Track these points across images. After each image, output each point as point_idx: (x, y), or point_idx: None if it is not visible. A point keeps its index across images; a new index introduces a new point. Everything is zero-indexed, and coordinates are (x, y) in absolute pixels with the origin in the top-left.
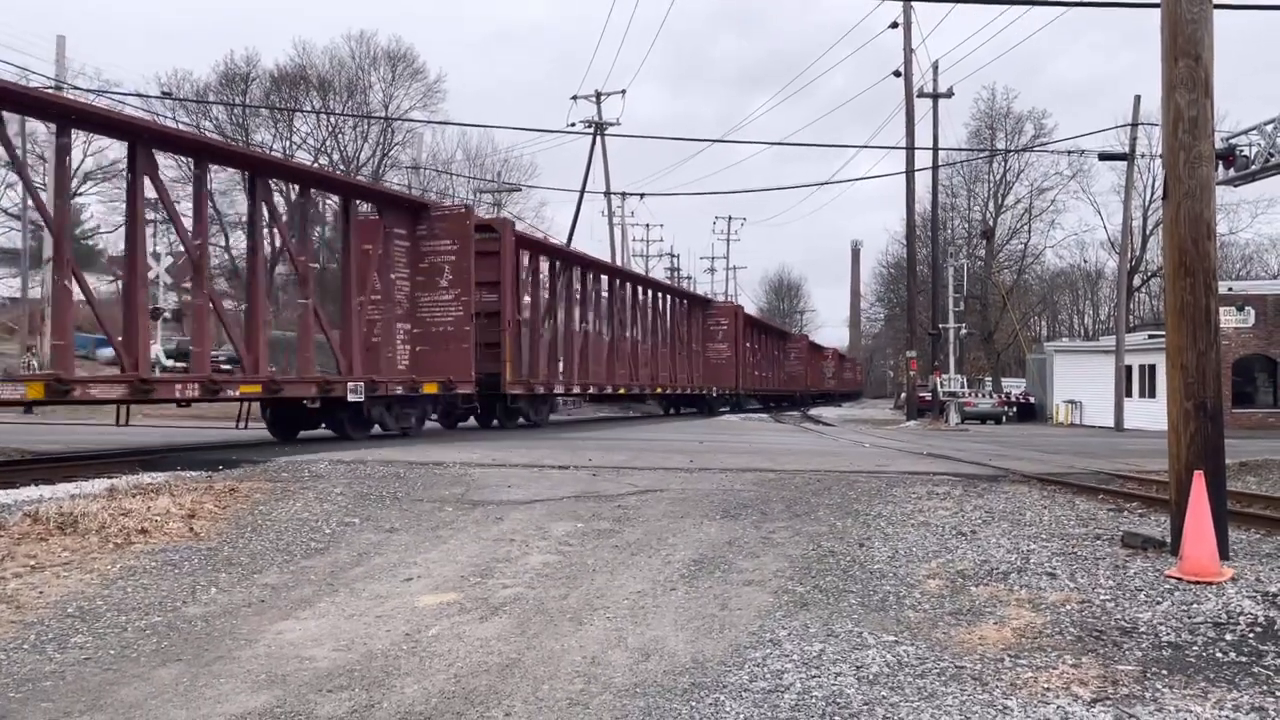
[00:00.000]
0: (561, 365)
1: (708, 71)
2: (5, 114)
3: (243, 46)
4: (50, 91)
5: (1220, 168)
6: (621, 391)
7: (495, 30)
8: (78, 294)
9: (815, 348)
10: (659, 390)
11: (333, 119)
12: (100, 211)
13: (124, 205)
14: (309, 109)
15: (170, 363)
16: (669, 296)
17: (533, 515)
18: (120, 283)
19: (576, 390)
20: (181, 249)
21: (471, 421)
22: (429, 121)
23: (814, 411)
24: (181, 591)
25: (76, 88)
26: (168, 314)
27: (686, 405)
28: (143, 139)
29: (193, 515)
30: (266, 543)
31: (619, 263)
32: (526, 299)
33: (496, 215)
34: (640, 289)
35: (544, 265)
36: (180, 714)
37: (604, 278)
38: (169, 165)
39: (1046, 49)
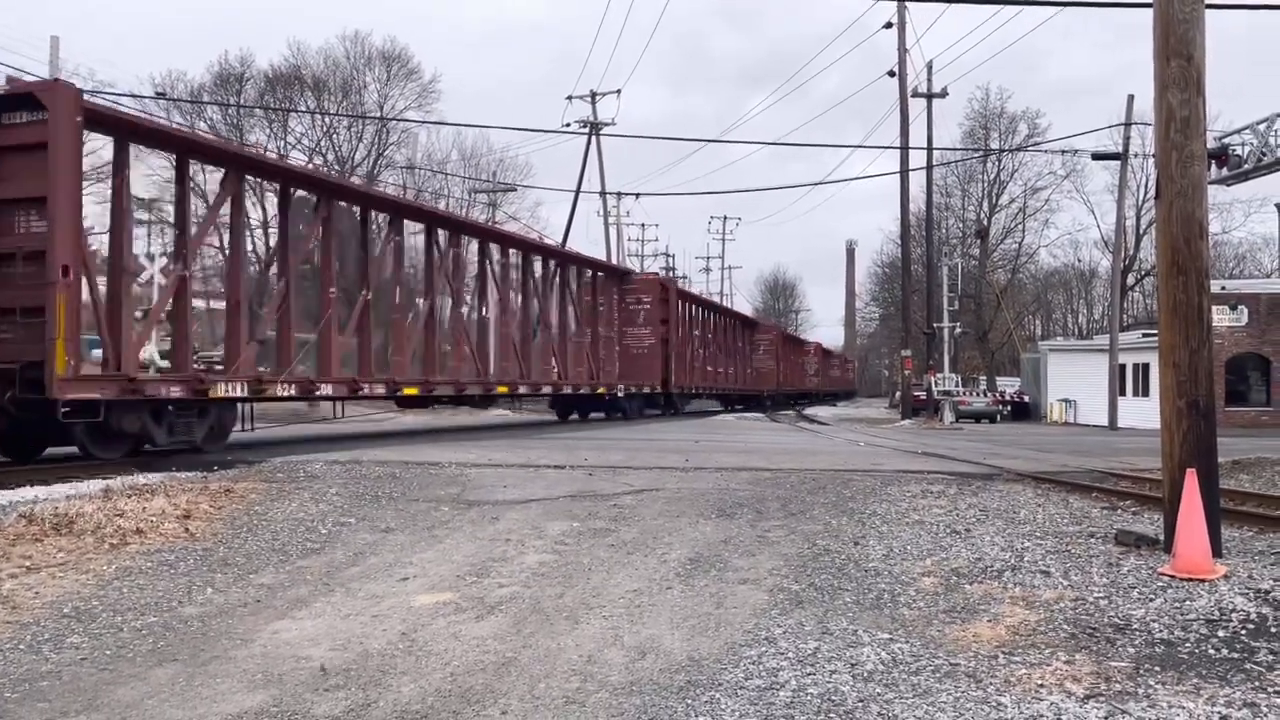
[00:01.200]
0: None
1: (704, 70)
2: None
3: (237, 46)
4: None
5: (1213, 167)
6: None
7: (491, 29)
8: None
9: (793, 341)
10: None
11: (327, 119)
12: (95, 212)
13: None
14: (304, 109)
15: (166, 364)
16: (788, 341)
17: (529, 515)
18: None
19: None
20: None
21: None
22: (424, 121)
23: (809, 411)
24: (177, 592)
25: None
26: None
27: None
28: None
29: (188, 516)
30: (262, 543)
31: (614, 262)
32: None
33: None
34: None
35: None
36: (177, 714)
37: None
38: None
39: (1042, 47)
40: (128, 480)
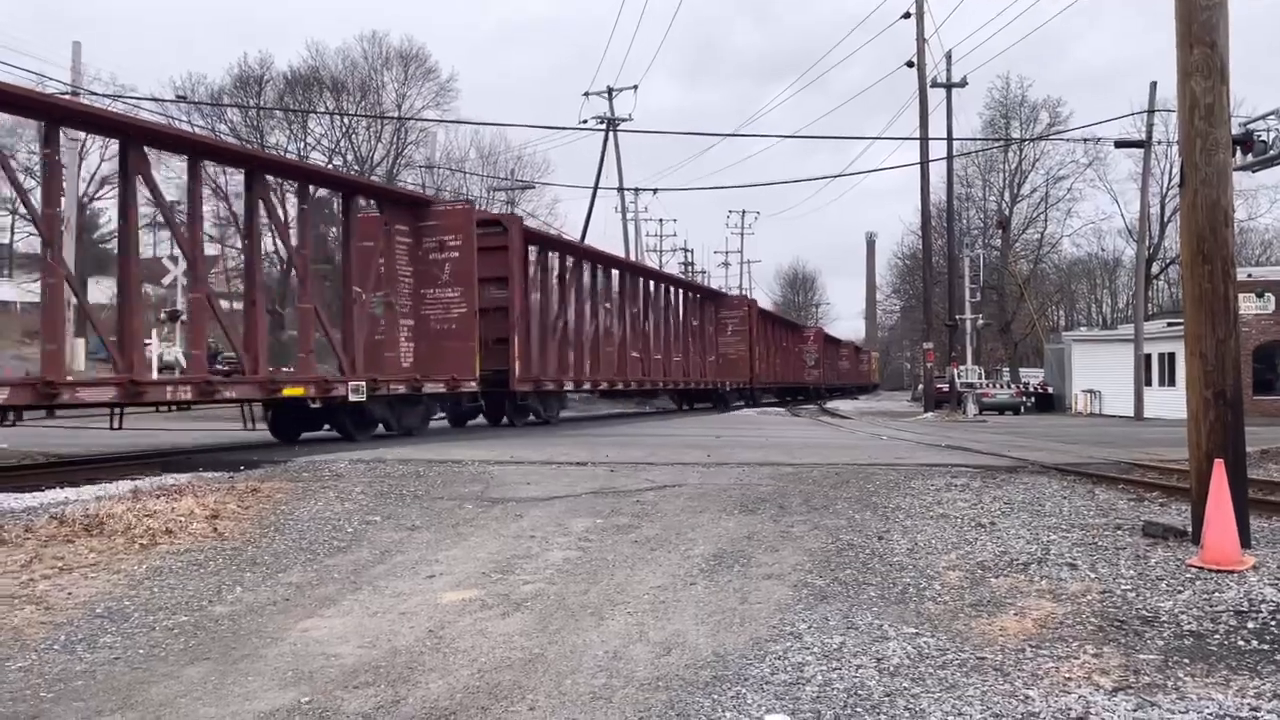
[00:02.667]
0: (573, 361)
1: (722, 63)
2: None
3: (256, 49)
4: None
5: (1238, 153)
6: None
7: (508, 26)
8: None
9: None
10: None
11: (346, 120)
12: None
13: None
14: (322, 110)
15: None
16: (681, 290)
17: (552, 512)
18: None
19: (587, 386)
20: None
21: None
22: (441, 120)
23: (830, 405)
24: (208, 591)
25: (93, 93)
26: (185, 317)
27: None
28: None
29: (216, 515)
30: (289, 542)
31: (633, 258)
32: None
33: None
34: (652, 283)
35: (553, 260)
36: (210, 711)
37: (614, 272)
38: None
39: (1066, 33)
40: (155, 481)
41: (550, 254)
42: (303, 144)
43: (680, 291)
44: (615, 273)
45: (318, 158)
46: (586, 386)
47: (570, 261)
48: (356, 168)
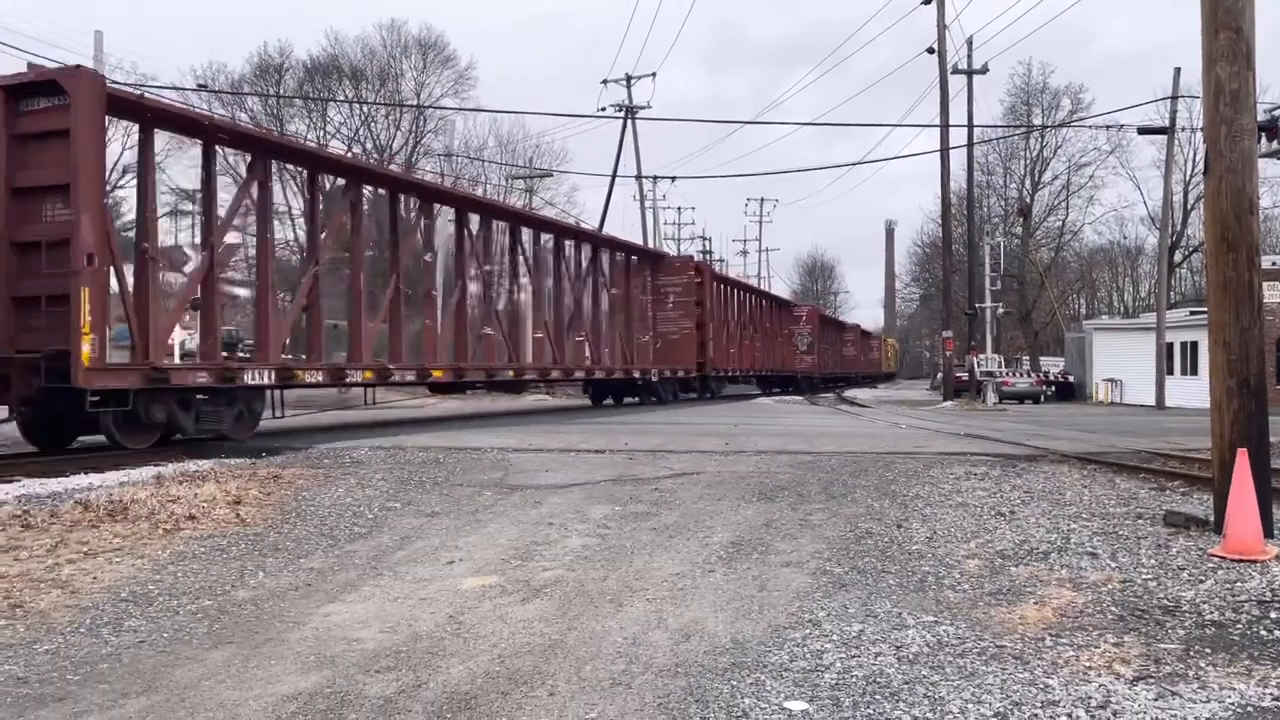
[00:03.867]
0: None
1: (741, 50)
2: None
3: (276, 37)
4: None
5: (1263, 140)
6: (763, 373)
7: (527, 12)
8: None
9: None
10: (764, 372)
11: (365, 108)
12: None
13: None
14: (342, 98)
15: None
16: (766, 302)
17: (571, 499)
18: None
19: (750, 372)
20: (236, 240)
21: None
22: (460, 109)
23: (849, 393)
24: (230, 576)
25: (116, 82)
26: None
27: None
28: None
29: (239, 501)
30: (311, 528)
31: (650, 246)
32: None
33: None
34: (764, 302)
35: (725, 291)
36: (233, 694)
37: (749, 296)
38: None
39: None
40: (179, 467)
41: (723, 286)
42: (322, 132)
43: (767, 303)
44: (750, 297)
45: (337, 146)
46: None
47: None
48: (375, 156)
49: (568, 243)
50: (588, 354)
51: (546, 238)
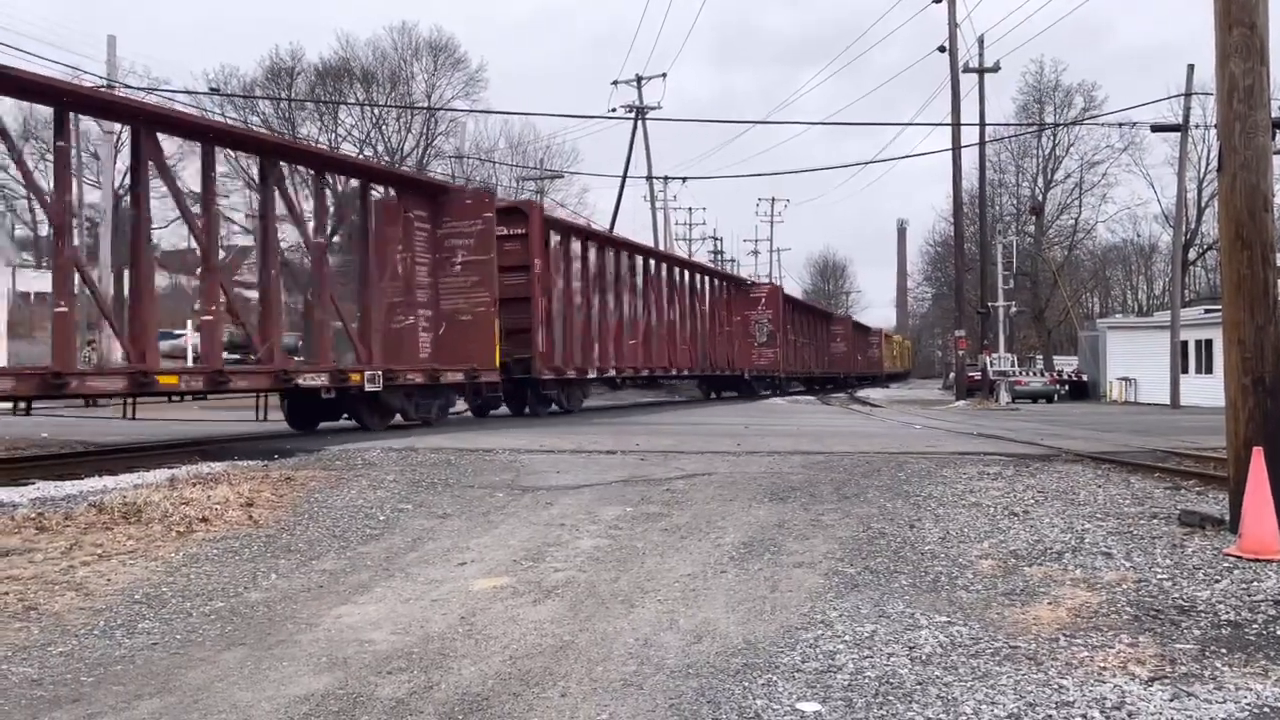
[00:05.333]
0: (597, 349)
1: (752, 48)
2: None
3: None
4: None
5: (1278, 137)
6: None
7: (536, 12)
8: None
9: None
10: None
11: (377, 111)
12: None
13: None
14: (353, 101)
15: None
16: (706, 278)
17: (582, 500)
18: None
19: (611, 373)
20: (234, 243)
21: (503, 409)
22: (471, 110)
23: (860, 393)
24: (243, 577)
25: (128, 86)
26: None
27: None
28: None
29: (251, 503)
30: (323, 529)
31: (661, 246)
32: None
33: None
34: (677, 271)
35: (575, 248)
36: (246, 696)
37: (639, 258)
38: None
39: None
40: (192, 469)
41: (573, 241)
42: (333, 135)
43: (705, 279)
44: (640, 259)
45: (349, 149)
46: (610, 374)
47: (594, 249)
48: (387, 158)
49: (701, 277)
50: None
51: None
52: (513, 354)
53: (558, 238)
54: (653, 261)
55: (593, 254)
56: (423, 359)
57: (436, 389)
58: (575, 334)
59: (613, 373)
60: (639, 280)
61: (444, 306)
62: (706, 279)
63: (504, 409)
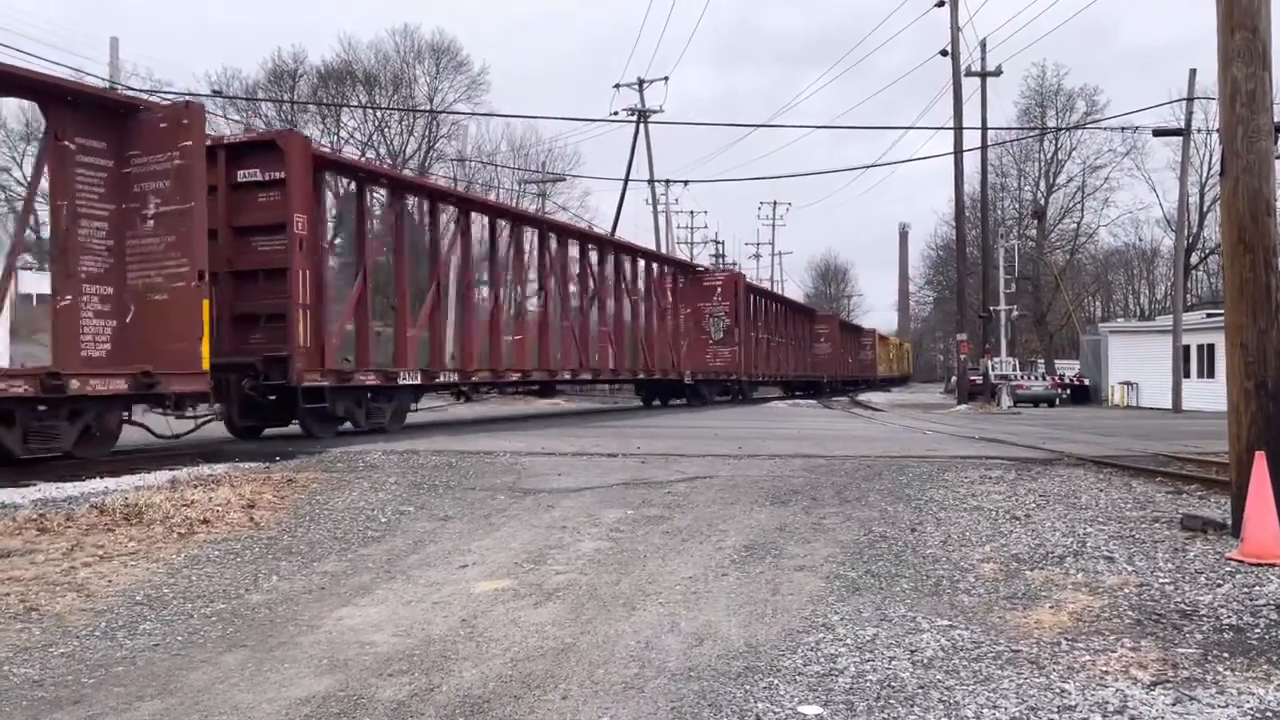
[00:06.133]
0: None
1: (755, 49)
2: None
3: (290, 43)
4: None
5: None
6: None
7: (538, 14)
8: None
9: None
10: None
11: (379, 113)
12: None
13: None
14: (355, 104)
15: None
16: (641, 261)
17: (583, 502)
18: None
19: (454, 379)
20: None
21: (277, 428)
22: (473, 114)
23: (862, 397)
24: (244, 579)
25: (130, 88)
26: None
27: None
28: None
29: (252, 505)
30: (324, 531)
31: (663, 249)
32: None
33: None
34: (591, 250)
35: (380, 202)
36: (247, 698)
37: (528, 231)
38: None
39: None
40: (193, 471)
41: (376, 192)
42: (335, 137)
43: (641, 262)
44: (529, 232)
45: (350, 151)
46: (452, 379)
47: (425, 208)
48: (389, 160)
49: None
50: None
51: None
52: (264, 350)
53: (346, 186)
54: (553, 236)
55: (429, 217)
56: (92, 357)
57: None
58: (373, 323)
59: (455, 378)
60: (528, 259)
61: (131, 280)
62: (641, 262)
63: (279, 429)
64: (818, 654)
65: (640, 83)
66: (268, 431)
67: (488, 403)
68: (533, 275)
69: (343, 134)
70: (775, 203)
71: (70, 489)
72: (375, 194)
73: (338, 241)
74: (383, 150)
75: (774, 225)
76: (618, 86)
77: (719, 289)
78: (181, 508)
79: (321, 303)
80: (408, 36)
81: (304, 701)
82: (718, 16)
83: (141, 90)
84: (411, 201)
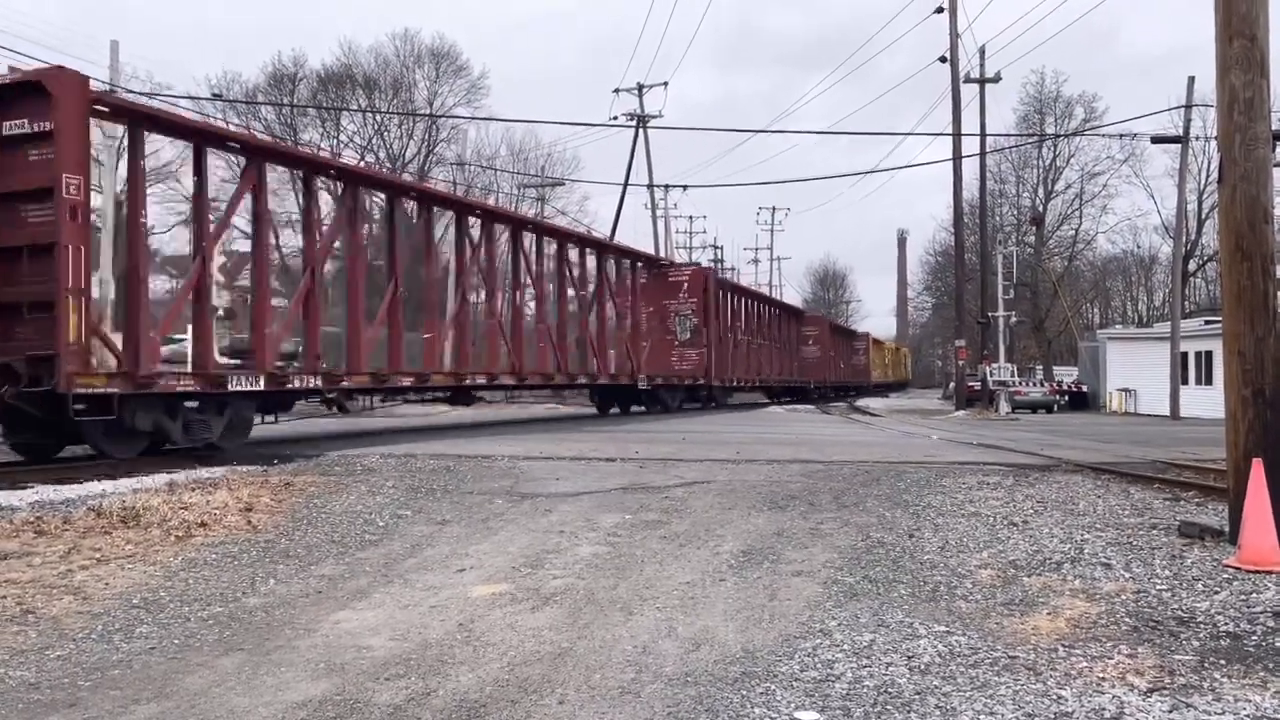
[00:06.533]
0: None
1: (755, 53)
2: None
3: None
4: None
5: (1278, 149)
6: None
7: (538, 18)
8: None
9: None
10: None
11: (379, 117)
12: (155, 212)
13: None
14: (355, 108)
15: (224, 360)
16: (592, 253)
17: (581, 507)
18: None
19: (315, 383)
20: (234, 247)
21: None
22: (473, 118)
23: (860, 403)
24: (241, 583)
25: (130, 90)
26: (220, 311)
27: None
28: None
29: (250, 509)
30: (322, 535)
31: (662, 254)
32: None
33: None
34: (526, 237)
35: (217, 173)
36: (243, 701)
37: (446, 214)
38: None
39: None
40: (191, 474)
41: (210, 160)
42: (335, 141)
43: (592, 255)
44: (449, 215)
45: (350, 155)
46: (314, 384)
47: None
48: (389, 165)
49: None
50: None
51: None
52: (27, 349)
53: (163, 145)
54: (474, 220)
55: (302, 186)
56: None
57: None
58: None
59: (317, 382)
60: (440, 244)
61: None
62: (592, 254)
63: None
64: (815, 659)
65: (640, 87)
66: (70, 451)
67: (374, 415)
68: (449, 263)
69: (342, 138)
70: (774, 208)
71: (68, 491)
72: (210, 161)
73: (155, 210)
74: (382, 154)
75: (772, 230)
76: (617, 91)
77: (685, 285)
78: (179, 511)
79: (87, 284)
80: (408, 41)
81: (300, 705)
82: (718, 17)
83: (142, 93)
84: (227, 160)
